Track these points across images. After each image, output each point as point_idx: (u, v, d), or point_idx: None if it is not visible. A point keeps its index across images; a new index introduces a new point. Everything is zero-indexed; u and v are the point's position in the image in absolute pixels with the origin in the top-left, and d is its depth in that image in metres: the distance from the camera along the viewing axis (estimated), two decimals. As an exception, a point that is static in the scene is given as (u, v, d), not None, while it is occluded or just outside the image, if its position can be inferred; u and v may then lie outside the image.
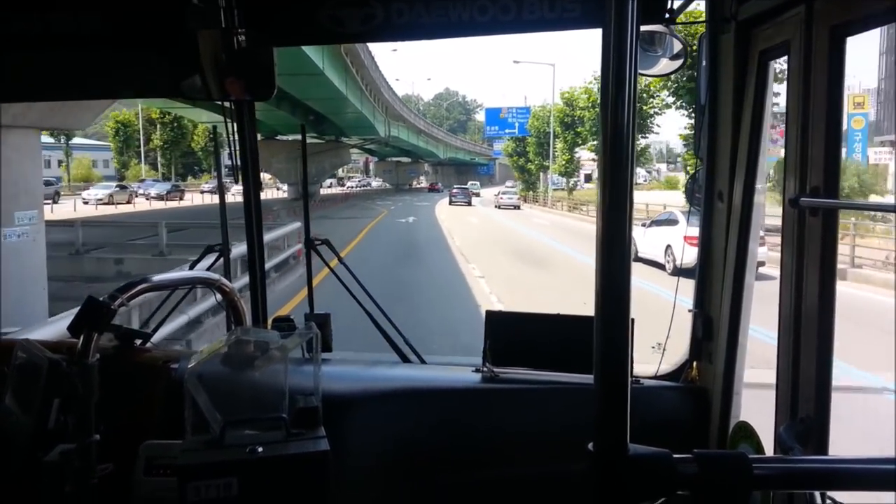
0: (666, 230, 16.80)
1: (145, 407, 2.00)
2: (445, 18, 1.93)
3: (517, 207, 52.12)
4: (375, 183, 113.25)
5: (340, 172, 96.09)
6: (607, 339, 0.85)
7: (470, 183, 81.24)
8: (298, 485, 1.51)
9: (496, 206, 53.15)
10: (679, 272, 2.40)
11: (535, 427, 2.18)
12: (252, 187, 2.49)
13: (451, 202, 56.82)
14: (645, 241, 17.01)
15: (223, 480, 1.44)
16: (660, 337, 2.27)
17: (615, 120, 0.83)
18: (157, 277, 1.91)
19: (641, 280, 10.73)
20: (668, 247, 16.08)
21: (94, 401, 1.62)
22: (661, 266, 15.81)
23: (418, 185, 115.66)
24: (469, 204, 56.44)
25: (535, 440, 2.15)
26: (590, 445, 0.86)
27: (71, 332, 1.65)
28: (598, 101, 0.87)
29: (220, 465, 1.45)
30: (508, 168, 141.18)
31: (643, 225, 17.63)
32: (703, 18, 2.06)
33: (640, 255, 16.77)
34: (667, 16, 1.87)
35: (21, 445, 1.64)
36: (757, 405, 1.96)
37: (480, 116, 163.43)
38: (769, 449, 1.65)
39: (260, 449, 1.49)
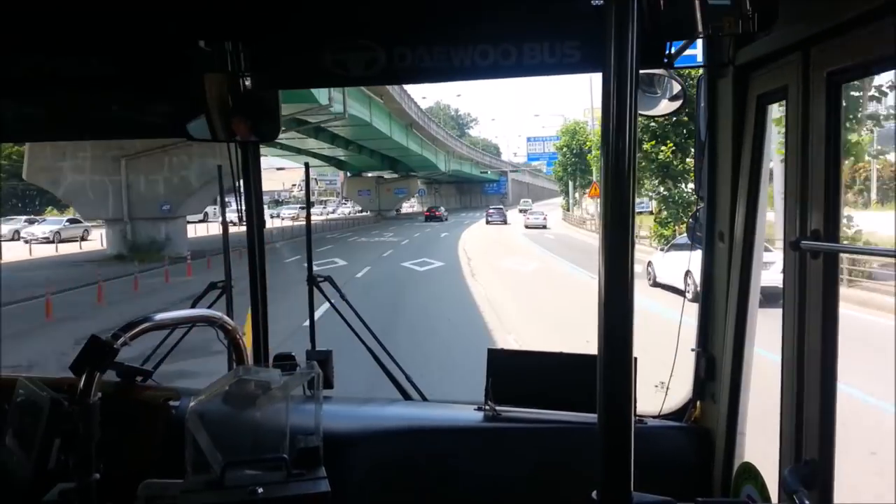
0: (685, 255, 14.56)
1: (145, 445, 2.01)
2: (447, 63, 1.96)
3: (545, 227, 52.90)
4: (344, 209, 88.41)
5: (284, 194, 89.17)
6: (610, 379, 0.85)
7: (492, 207, 73.19)
8: None
9: (525, 226, 53.76)
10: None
11: (536, 467, 2.16)
12: (255, 226, 2.52)
13: (487, 222, 61.72)
14: (664, 266, 16.05)
15: None
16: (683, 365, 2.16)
17: (616, 162, 0.84)
18: (160, 316, 1.89)
19: (660, 305, 9.25)
20: (688, 272, 15.04)
21: (95, 440, 1.60)
22: (680, 292, 15.08)
23: (409, 210, 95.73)
24: (505, 222, 60.93)
25: (537, 480, 2.13)
26: (594, 494, 0.86)
27: (73, 371, 1.63)
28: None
29: None
30: (523, 186, 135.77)
31: (661, 249, 17.17)
32: (701, 63, 2.10)
33: (658, 280, 16.08)
34: (665, 60, 1.86)
35: (21, 485, 1.66)
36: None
37: (475, 132, 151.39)
38: (773, 490, 1.64)
39: (260, 490, 1.50)
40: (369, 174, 74.62)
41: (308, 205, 3.12)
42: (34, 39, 2.03)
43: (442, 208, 70.59)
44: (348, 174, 77.66)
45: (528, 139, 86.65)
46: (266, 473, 1.56)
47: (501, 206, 71.58)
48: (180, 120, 2.21)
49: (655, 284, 15.90)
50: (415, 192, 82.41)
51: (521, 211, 64.52)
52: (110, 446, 1.68)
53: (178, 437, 1.60)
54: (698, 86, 2.12)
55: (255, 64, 2.04)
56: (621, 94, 0.85)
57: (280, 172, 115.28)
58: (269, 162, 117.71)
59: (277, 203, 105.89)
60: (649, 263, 17.00)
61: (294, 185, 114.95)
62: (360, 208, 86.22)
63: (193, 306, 2.50)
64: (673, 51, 1.82)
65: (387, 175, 74.31)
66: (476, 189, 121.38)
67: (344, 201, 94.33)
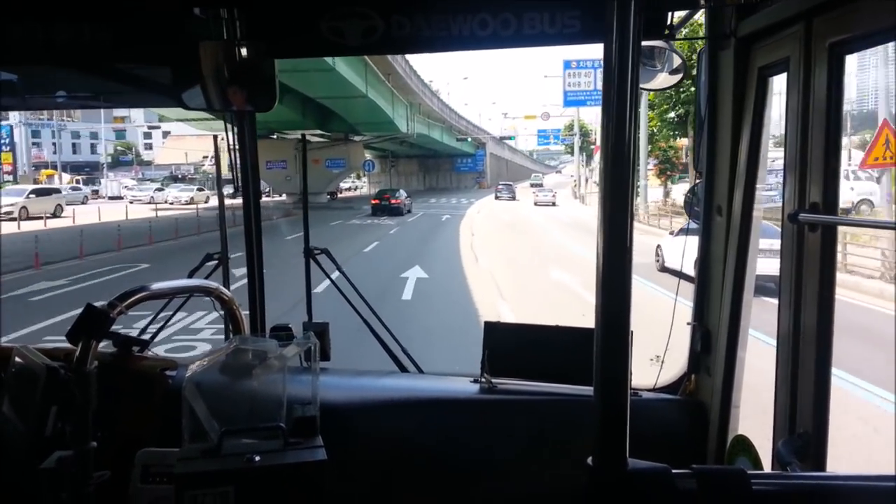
0: (695, 239, 8.80)
1: (142, 415, 2.00)
2: (446, 32, 1.93)
3: (554, 204, 50.55)
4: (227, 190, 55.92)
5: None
6: (607, 352, 0.86)
7: (501, 183, 66.16)
8: (295, 494, 1.52)
9: (535, 204, 50.82)
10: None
11: (532, 439, 2.17)
12: (252, 196, 2.53)
13: (496, 198, 59.22)
14: (672, 250, 14.81)
15: (220, 489, 1.46)
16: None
17: (617, 133, 0.84)
18: (156, 285, 1.89)
19: (667, 292, 6.20)
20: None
21: (92, 408, 1.61)
22: (690, 279, 7.04)
23: (352, 192, 74.59)
24: (514, 198, 58.66)
25: (533, 452, 2.14)
26: (589, 460, 0.87)
27: (69, 340, 1.64)
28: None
29: (217, 474, 1.47)
30: (501, 163, 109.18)
31: (670, 233, 16.87)
32: (702, 35, 2.08)
33: (667, 265, 14.99)
34: (666, 31, 1.85)
35: (18, 452, 1.67)
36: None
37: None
38: (766, 462, 1.65)
39: (257, 458, 1.50)
40: (285, 135, 46.39)
41: (304, 177, 3.14)
42: (27, 6, 2.01)
43: (402, 193, 42.66)
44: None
45: (539, 132, 75.65)
46: (263, 442, 1.56)
47: (510, 183, 67.61)
48: (175, 89, 2.18)
49: (664, 269, 14.89)
50: (359, 166, 53.02)
51: (539, 191, 57.18)
52: (107, 415, 1.71)
53: (175, 406, 1.60)
54: (699, 59, 2.09)
55: (250, 32, 2.02)
56: (622, 65, 0.83)
57: (183, 140, 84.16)
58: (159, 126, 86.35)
59: (176, 179, 75.11)
60: (658, 247, 16.37)
61: (206, 156, 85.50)
62: (267, 189, 58.46)
63: (190, 277, 2.53)
64: (674, 22, 1.81)
65: (313, 136, 46.38)
66: (445, 166, 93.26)
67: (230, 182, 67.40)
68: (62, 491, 1.56)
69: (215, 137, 2.73)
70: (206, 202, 46.43)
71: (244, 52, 2.05)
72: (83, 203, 44.83)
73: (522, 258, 19.40)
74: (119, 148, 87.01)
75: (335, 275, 2.78)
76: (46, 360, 1.73)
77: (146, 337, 2.32)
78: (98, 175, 74.54)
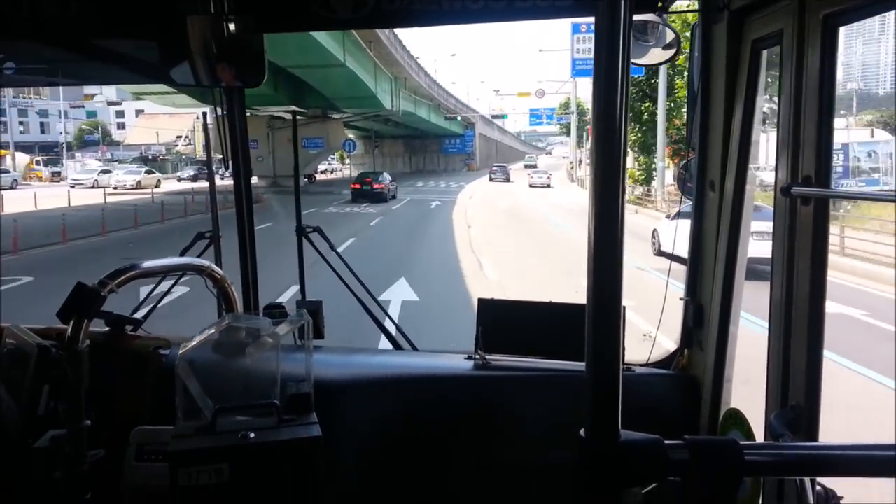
0: (688, 222, 9.88)
1: (136, 393, 2.01)
2: (437, 6, 1.91)
3: (549, 186, 49.45)
4: (188, 173, 54.26)
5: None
6: (599, 327, 0.86)
7: (495, 165, 64.62)
8: (290, 470, 1.52)
9: (529, 186, 49.67)
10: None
11: (526, 414, 2.18)
12: (242, 174, 2.50)
13: (490, 179, 58.47)
14: (668, 234, 13.93)
15: (215, 466, 1.46)
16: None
17: (608, 109, 0.83)
18: (147, 264, 1.89)
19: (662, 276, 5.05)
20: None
21: (85, 387, 1.61)
22: (683, 261, 6.83)
23: (330, 175, 67.89)
24: (508, 180, 57.34)
25: (527, 426, 2.15)
26: (581, 431, 0.87)
27: (60, 319, 1.64)
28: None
29: (211, 451, 1.47)
30: (491, 144, 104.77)
31: (667, 217, 16.73)
32: (695, 8, 2.07)
33: (663, 249, 14.97)
34: (660, 5, 1.86)
35: (11, 431, 1.66)
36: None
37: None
38: (759, 436, 1.66)
39: (252, 435, 1.50)
40: (256, 111, 41.31)
41: (296, 152, 3.19)
42: None
43: (386, 176, 38.03)
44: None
45: (531, 111, 70.08)
46: (257, 419, 1.56)
47: (504, 165, 66.74)
48: (164, 65, 2.18)
49: (660, 253, 14.74)
50: (338, 146, 47.52)
51: (534, 173, 55.38)
52: (101, 394, 1.70)
53: (168, 384, 1.60)
54: (692, 33, 2.07)
55: (238, 6, 2.01)
56: (613, 39, 0.82)
57: (156, 119, 78.72)
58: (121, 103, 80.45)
59: (146, 161, 70.23)
60: (654, 231, 16.30)
61: (180, 136, 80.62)
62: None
63: (182, 256, 2.49)
64: None
65: (287, 112, 41.99)
66: (432, 146, 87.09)
67: (195, 165, 57.21)
68: (56, 470, 1.56)
69: (204, 115, 2.75)
70: (156, 186, 41.77)
71: (232, 26, 2.04)
72: (11, 188, 39.09)
73: (537, 262, 15.04)
74: (84, 127, 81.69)
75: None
76: (38, 339, 1.73)
77: (138, 316, 2.31)
78: (65, 156, 69.35)
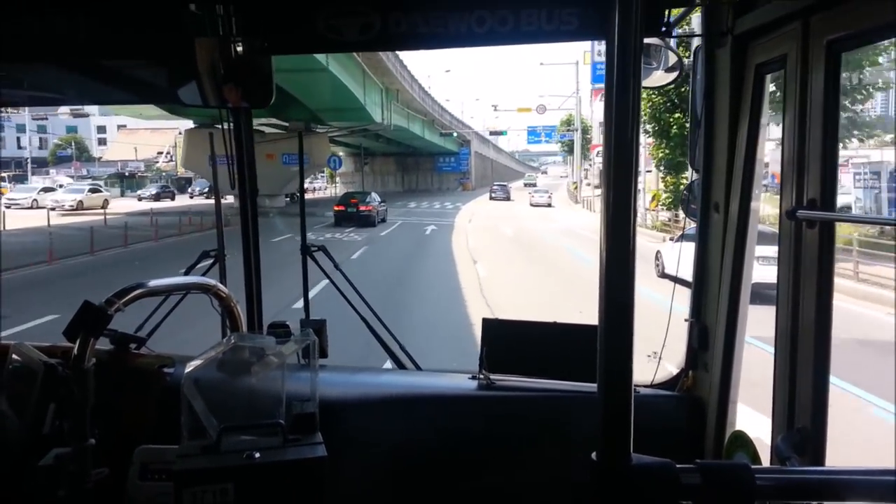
0: (692, 245, 8.79)
1: (140, 412, 2.00)
2: (443, 29, 1.93)
3: (550, 205, 48.74)
4: (151, 190, 52.85)
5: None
6: (611, 350, 0.86)
7: (496, 184, 64.69)
8: (295, 490, 1.52)
9: (531, 205, 49.04)
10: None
11: (531, 435, 2.17)
12: (249, 193, 2.51)
13: (491, 198, 58.17)
14: (673, 255, 13.64)
15: (220, 486, 1.45)
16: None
17: (620, 130, 0.84)
18: (154, 282, 1.87)
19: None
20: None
21: (90, 405, 1.61)
22: (686, 283, 5.94)
23: (315, 193, 61.66)
24: (508, 199, 57.31)
25: (532, 448, 2.14)
26: (593, 455, 0.88)
27: (66, 337, 1.63)
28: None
29: (216, 471, 1.47)
30: (486, 163, 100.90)
31: (671, 239, 16.44)
32: (699, 32, 2.08)
33: (666, 271, 14.65)
34: (663, 29, 1.86)
35: (15, 449, 1.66)
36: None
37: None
38: (765, 458, 1.66)
39: (257, 455, 1.50)
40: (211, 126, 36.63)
41: (301, 173, 3.25)
42: (24, 2, 2.00)
43: (374, 197, 33.76)
44: (191, 125, 40.16)
45: (529, 129, 68.64)
46: (262, 439, 1.56)
47: (505, 183, 66.87)
48: (172, 86, 2.21)
49: (664, 275, 14.51)
50: (323, 163, 43.50)
51: (535, 192, 54.16)
52: (105, 412, 1.69)
53: (173, 403, 1.60)
54: (695, 56, 2.09)
55: (246, 28, 2.03)
56: (625, 62, 0.84)
57: (136, 134, 74.25)
58: (104, 119, 76.31)
59: (123, 178, 65.77)
60: (657, 254, 15.90)
61: (161, 152, 76.36)
62: (205, 189, 50.04)
63: (187, 274, 2.53)
64: (671, 20, 1.83)
65: (267, 126, 38.14)
66: (426, 165, 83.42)
67: (169, 180, 57.38)
68: (60, 488, 1.56)
69: (211, 134, 2.67)
70: (103, 207, 36.47)
71: (240, 48, 2.05)
72: None
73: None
74: (58, 142, 77.36)
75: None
76: (44, 357, 1.74)
77: (143, 335, 2.31)
78: (38, 172, 64.82)
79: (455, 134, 70.50)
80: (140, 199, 50.28)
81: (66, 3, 1.97)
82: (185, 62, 2.05)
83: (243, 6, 2.00)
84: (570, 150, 64.04)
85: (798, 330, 1.59)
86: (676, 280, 2.34)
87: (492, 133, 69.11)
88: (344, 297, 2.69)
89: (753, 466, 0.92)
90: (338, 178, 68.74)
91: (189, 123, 40.78)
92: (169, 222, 27.91)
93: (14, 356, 1.81)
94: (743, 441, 1.73)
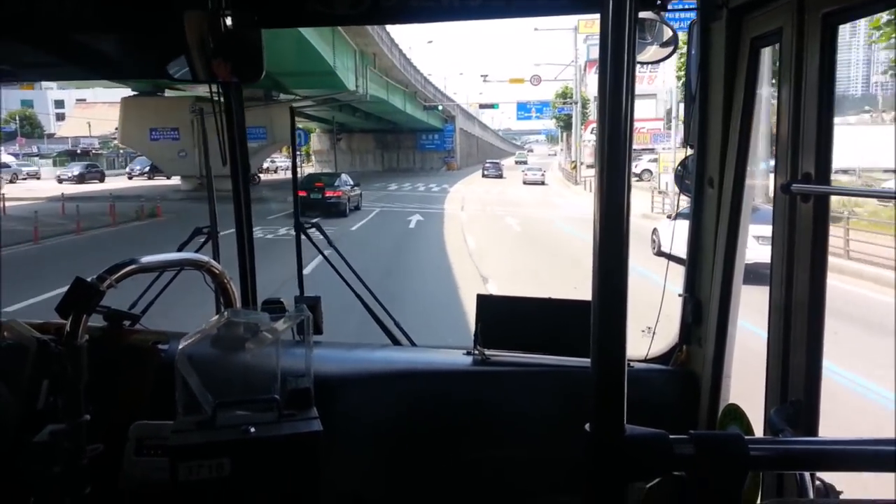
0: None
1: (135, 388, 2.00)
2: (435, 2, 1.91)
3: (543, 183, 48.05)
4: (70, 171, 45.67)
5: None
6: (605, 324, 0.87)
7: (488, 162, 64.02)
8: (291, 465, 1.53)
9: (523, 182, 48.43)
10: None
11: (525, 409, 2.17)
12: (240, 170, 2.49)
13: (483, 175, 57.68)
14: (670, 234, 6.02)
15: (215, 461, 1.46)
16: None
17: (614, 106, 0.84)
18: (146, 259, 1.87)
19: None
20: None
21: (84, 382, 1.61)
22: (680, 261, 5.81)
23: (277, 173, 55.76)
24: (501, 177, 56.67)
25: (526, 422, 2.15)
26: (587, 426, 0.88)
27: (59, 313, 1.63)
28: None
29: (212, 446, 1.47)
30: (472, 140, 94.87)
31: (668, 216, 16.36)
32: (694, 6, 2.06)
33: (663, 249, 14.34)
34: (658, 2, 1.86)
35: (9, 426, 1.66)
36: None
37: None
38: (758, 432, 1.66)
39: (252, 429, 1.50)
40: (180, 90, 32.79)
41: (294, 149, 3.18)
42: None
43: (344, 180, 26.95)
44: (130, 93, 34.82)
45: (519, 104, 60.92)
46: (257, 414, 1.56)
47: (497, 161, 65.90)
48: (160, 61, 2.17)
49: (660, 253, 13.80)
50: (285, 138, 37.56)
51: (528, 170, 53.12)
52: (100, 389, 1.69)
53: (167, 380, 1.60)
54: (690, 30, 2.06)
55: (236, 2, 2.01)
56: (619, 36, 0.83)
57: (92, 108, 67.31)
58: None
59: (75, 156, 59.24)
60: (654, 231, 15.78)
61: (118, 128, 69.03)
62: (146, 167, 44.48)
63: (179, 251, 2.47)
64: None
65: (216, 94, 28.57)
66: (407, 142, 76.91)
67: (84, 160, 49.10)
68: (55, 464, 1.56)
69: (201, 110, 2.68)
70: None
71: (229, 22, 2.02)
72: None
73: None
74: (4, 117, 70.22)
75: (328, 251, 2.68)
76: (37, 333, 1.74)
77: (136, 311, 2.31)
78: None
79: (440, 108, 63.96)
80: (60, 180, 42.38)
81: None
82: (175, 36, 2.01)
83: None
84: (567, 126, 58.67)
85: (792, 304, 1.59)
86: (671, 258, 2.34)
87: (482, 106, 62.04)
88: (338, 274, 2.66)
89: (747, 437, 0.93)
90: (313, 157, 62.57)
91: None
92: (87, 212, 21.94)
93: (6, 333, 1.80)
94: (736, 414, 1.71)
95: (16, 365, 1.71)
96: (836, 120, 1.55)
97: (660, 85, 54.33)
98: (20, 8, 1.93)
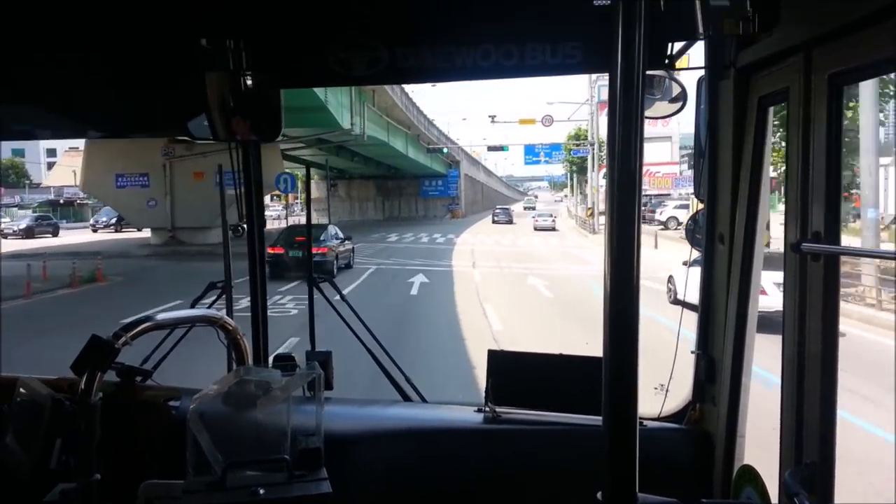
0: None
1: (146, 445, 2.01)
2: (449, 63, 1.97)
3: (554, 229, 47.87)
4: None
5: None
6: (616, 382, 0.86)
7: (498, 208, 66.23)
8: None
9: (535, 229, 47.77)
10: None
11: (537, 468, 2.15)
12: (256, 226, 2.51)
13: (494, 221, 58.28)
14: (687, 281, 5.99)
15: None
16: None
17: (623, 162, 0.85)
18: (161, 316, 1.89)
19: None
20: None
21: (97, 440, 1.60)
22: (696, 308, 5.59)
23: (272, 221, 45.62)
24: (511, 222, 57.31)
25: (538, 481, 2.12)
26: (598, 495, 0.86)
27: (74, 371, 1.63)
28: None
29: None
30: (477, 187, 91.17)
31: (684, 263, 7.07)
32: (702, 64, 2.08)
33: (679, 297, 12.34)
34: (667, 61, 1.89)
35: (22, 485, 1.65)
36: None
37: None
38: (773, 493, 1.64)
39: (262, 491, 1.50)
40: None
41: (308, 203, 3.38)
42: (35, 35, 2.00)
43: (332, 233, 22.13)
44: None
45: (526, 147, 57.56)
46: (267, 474, 1.56)
47: (508, 207, 66.50)
48: (181, 118, 2.21)
49: (676, 302, 13.26)
50: (270, 183, 32.80)
51: (539, 216, 52.91)
52: (111, 446, 1.68)
53: (178, 437, 1.60)
54: (698, 87, 2.10)
55: (256, 62, 2.05)
56: (628, 94, 0.85)
57: (75, 157, 63.45)
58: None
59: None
60: (670, 279, 15.10)
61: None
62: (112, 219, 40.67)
63: (193, 306, 2.50)
64: (674, 52, 1.87)
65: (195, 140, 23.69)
66: (409, 189, 73.12)
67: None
68: None
69: (220, 167, 2.63)
70: None
71: (250, 82, 2.07)
72: None
73: None
74: (-19, 166, 66.67)
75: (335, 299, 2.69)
76: (51, 391, 1.73)
77: (149, 367, 2.30)
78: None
79: (445, 150, 59.68)
80: (5, 235, 36.58)
81: (79, 37, 2.00)
82: (196, 95, 2.06)
83: (253, 41, 2.04)
84: (581, 170, 55.01)
85: (804, 363, 1.58)
86: (685, 305, 2.32)
87: (490, 149, 57.85)
88: (350, 329, 2.66)
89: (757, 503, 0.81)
90: (277, 205, 58.24)
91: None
92: (11, 274, 17.61)
93: (21, 390, 1.80)
94: (751, 476, 1.69)
95: (30, 423, 1.70)
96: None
97: (674, 127, 51.13)
98: (46, 64, 2.01)
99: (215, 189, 15.26)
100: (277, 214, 50.23)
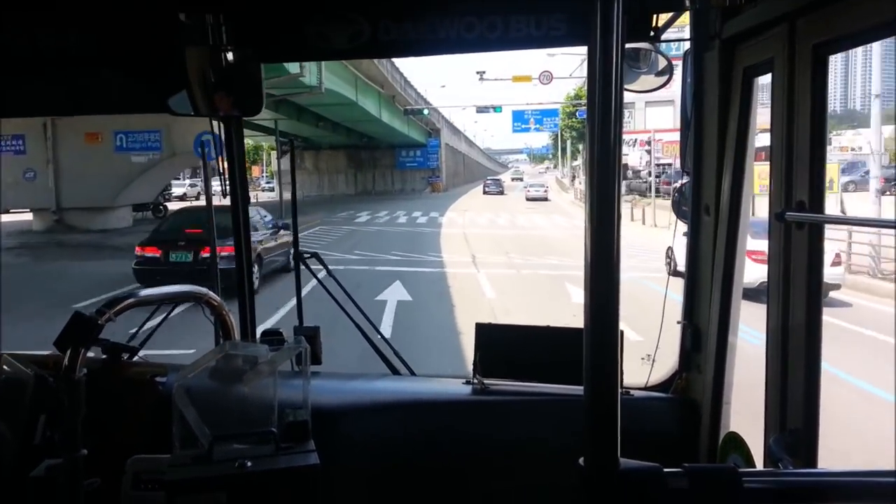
0: None
1: (132, 421, 1.99)
2: (433, 35, 1.95)
3: (546, 199, 47.91)
4: None
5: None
6: (596, 352, 0.87)
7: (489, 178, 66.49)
8: (288, 499, 1.52)
9: (527, 199, 47.86)
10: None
11: (525, 439, 2.17)
12: (240, 201, 2.49)
13: (485, 192, 57.56)
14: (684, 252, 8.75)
15: (212, 495, 1.45)
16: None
17: (602, 135, 0.85)
18: (145, 292, 1.88)
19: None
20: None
21: (81, 416, 1.59)
22: None
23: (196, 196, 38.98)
24: (502, 193, 56.25)
25: (525, 452, 2.14)
26: (580, 460, 0.87)
27: (57, 347, 1.62)
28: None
29: (208, 480, 1.46)
30: (458, 157, 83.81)
31: (684, 235, 4.82)
32: (687, 36, 2.08)
33: (679, 269, 5.33)
34: (652, 34, 1.88)
35: (7, 461, 1.65)
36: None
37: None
38: (759, 459, 1.66)
39: (249, 463, 1.49)
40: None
41: (293, 179, 3.23)
42: (11, 15, 1.99)
43: (260, 218, 13.96)
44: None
45: (514, 115, 50.87)
46: (254, 447, 1.55)
47: (498, 178, 66.57)
48: (161, 94, 2.18)
49: (676, 273, 5.37)
50: (187, 147, 25.17)
51: (531, 187, 51.75)
52: (97, 422, 1.67)
53: (165, 412, 1.59)
54: (684, 60, 2.11)
55: (236, 37, 2.03)
56: (607, 68, 0.85)
57: None
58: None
59: None
60: (669, 250, 14.58)
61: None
62: None
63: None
64: (660, 24, 1.85)
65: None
66: (385, 160, 64.97)
67: None
68: (52, 500, 1.55)
69: (202, 142, 2.58)
70: None
71: (230, 56, 2.05)
72: None
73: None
74: None
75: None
76: (34, 368, 1.73)
77: (135, 344, 2.29)
78: None
79: (426, 111, 51.88)
80: None
81: (55, 14, 1.99)
82: (176, 71, 2.03)
83: (233, 15, 2.02)
84: (581, 136, 48.26)
85: (788, 331, 1.59)
86: (683, 276, 2.31)
87: (479, 110, 49.74)
88: (338, 305, 2.62)
89: (742, 469, 0.92)
90: (272, 177, 51.56)
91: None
92: None
93: (4, 367, 1.79)
94: (736, 443, 1.71)
95: (13, 399, 1.70)
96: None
97: (677, 90, 43.87)
98: (22, 43, 1.97)
99: (117, 154, 15.10)
100: (198, 192, 39.64)
